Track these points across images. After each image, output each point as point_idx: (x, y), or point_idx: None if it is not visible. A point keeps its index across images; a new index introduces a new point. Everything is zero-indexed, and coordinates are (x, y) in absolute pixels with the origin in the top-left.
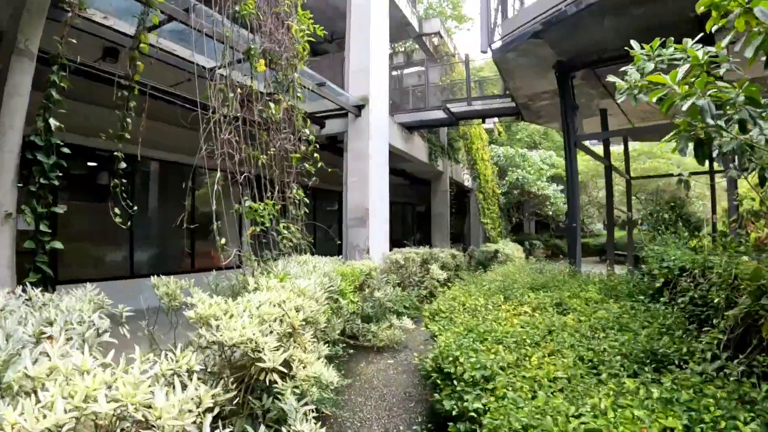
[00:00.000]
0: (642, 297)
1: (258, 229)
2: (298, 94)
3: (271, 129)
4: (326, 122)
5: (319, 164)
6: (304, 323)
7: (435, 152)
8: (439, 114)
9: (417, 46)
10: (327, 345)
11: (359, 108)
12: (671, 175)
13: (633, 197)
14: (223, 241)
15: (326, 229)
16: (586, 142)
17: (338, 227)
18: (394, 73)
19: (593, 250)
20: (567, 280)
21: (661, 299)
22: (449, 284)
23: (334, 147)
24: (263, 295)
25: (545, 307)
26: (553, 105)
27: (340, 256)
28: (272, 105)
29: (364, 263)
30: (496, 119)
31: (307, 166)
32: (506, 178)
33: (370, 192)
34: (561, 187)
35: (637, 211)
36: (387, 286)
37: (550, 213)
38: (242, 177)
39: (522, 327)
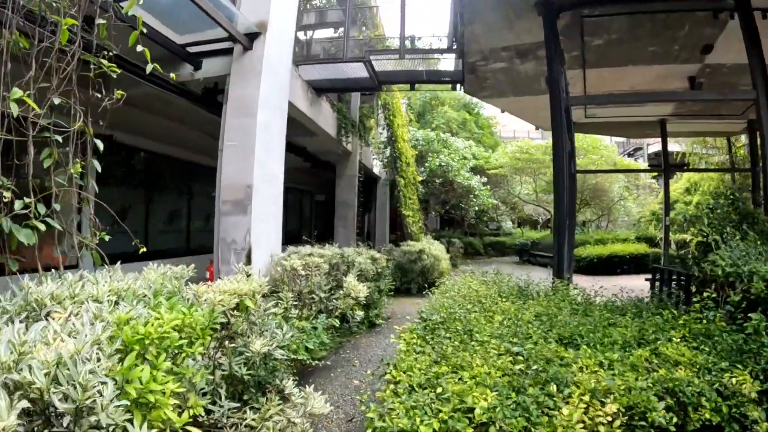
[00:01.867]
0: None
1: None
2: None
3: None
4: (203, 62)
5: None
6: None
7: (345, 127)
8: (359, 71)
9: None
10: None
11: (251, 38)
12: (634, 170)
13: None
14: None
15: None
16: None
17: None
18: (303, 36)
19: (512, 249)
20: (601, 318)
21: None
22: (374, 305)
23: (213, 101)
24: None
25: None
26: (507, 71)
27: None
28: None
29: (232, 285)
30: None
31: None
32: (426, 164)
33: (255, 163)
34: (484, 179)
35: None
36: (274, 323)
37: (476, 208)
38: None
39: None
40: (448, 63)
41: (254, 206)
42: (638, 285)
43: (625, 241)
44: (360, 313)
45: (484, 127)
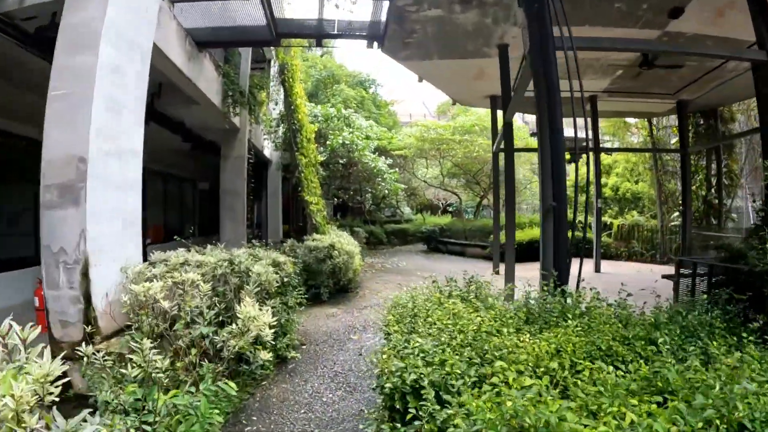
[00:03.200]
0: None
1: None
2: None
3: None
4: None
5: None
6: None
7: (233, 96)
8: (254, 15)
9: None
10: None
11: None
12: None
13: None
14: None
15: None
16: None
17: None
18: None
19: (415, 237)
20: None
21: None
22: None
23: (49, 43)
24: None
25: None
26: (442, 22)
27: None
28: None
29: None
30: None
31: None
32: (328, 143)
33: (93, 125)
34: (389, 161)
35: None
36: None
37: (385, 192)
38: None
39: None
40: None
41: (91, 193)
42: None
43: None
44: (265, 356)
45: (382, 106)
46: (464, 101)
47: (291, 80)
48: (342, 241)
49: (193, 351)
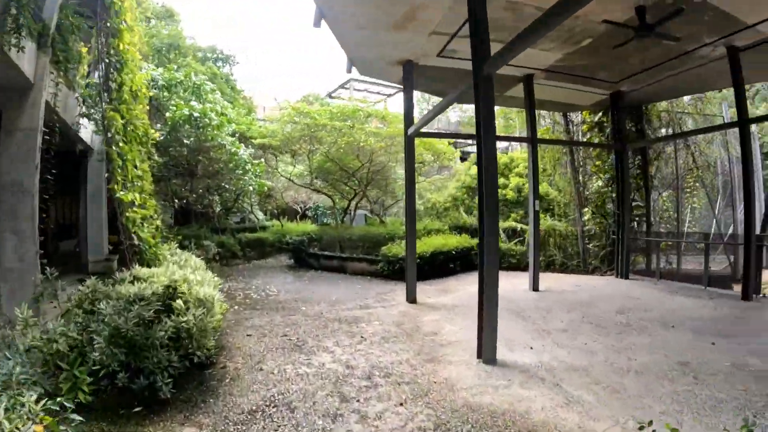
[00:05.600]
0: None
1: None
2: None
3: None
4: None
5: None
6: None
7: (22, 22)
8: None
9: None
10: None
11: None
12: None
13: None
14: None
15: None
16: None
17: None
18: None
19: (275, 248)
20: None
21: None
22: None
23: None
24: None
25: None
26: None
27: None
28: None
29: None
30: None
31: None
32: (168, 115)
33: None
34: (251, 150)
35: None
36: None
37: (250, 190)
38: None
39: None
40: None
41: None
42: (520, 291)
43: (438, 232)
44: None
45: (235, 90)
46: (367, 68)
47: (123, 18)
48: (191, 276)
49: None
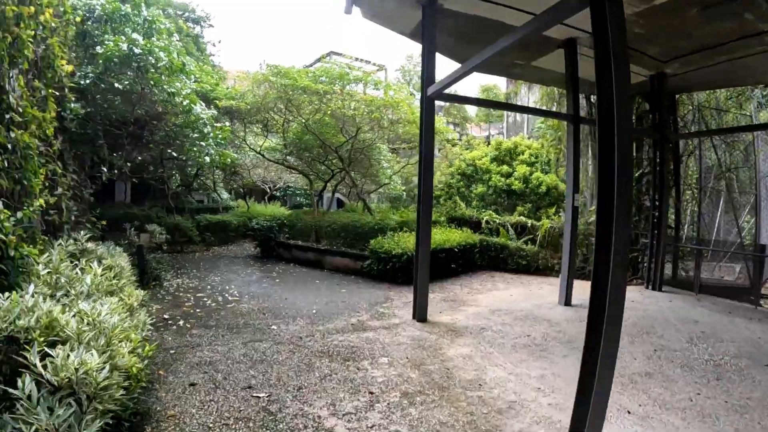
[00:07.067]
0: None
1: None
2: None
3: None
4: None
5: None
6: None
7: None
8: None
9: None
10: None
11: None
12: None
13: None
14: None
15: None
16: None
17: None
18: None
19: (239, 233)
20: None
21: None
22: None
23: None
24: None
25: None
26: None
27: None
28: None
29: None
30: None
31: None
32: (99, 50)
33: None
34: (213, 112)
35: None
36: None
37: (209, 160)
38: None
39: None
40: None
41: None
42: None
43: (435, 224)
44: None
45: (205, 54)
46: (375, 7)
47: None
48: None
49: None
